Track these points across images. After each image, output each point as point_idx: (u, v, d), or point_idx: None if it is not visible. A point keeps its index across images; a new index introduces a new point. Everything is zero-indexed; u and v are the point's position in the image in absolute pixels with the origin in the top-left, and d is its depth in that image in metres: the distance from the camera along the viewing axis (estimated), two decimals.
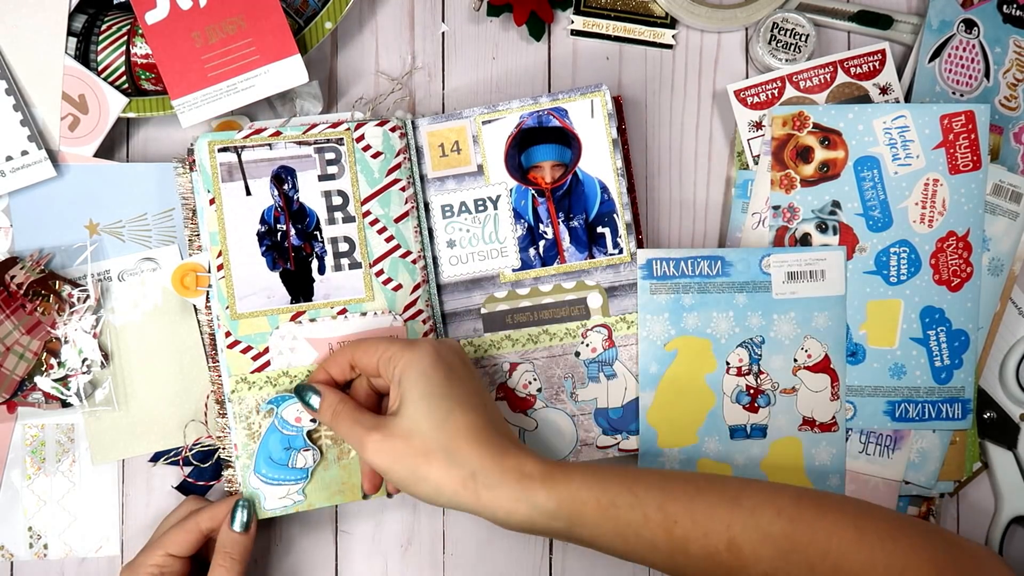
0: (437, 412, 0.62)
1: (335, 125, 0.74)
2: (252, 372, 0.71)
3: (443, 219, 0.75)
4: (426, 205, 0.75)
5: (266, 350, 0.71)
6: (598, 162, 0.75)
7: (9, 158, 0.73)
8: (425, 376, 0.63)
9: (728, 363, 0.75)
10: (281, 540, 0.77)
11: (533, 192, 0.75)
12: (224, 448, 0.72)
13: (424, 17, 0.81)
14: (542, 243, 0.75)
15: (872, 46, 0.78)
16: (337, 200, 0.73)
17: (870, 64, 0.78)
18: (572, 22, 0.81)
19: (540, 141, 0.75)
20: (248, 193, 0.72)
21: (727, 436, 0.75)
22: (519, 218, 0.75)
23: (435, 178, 0.75)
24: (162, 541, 0.68)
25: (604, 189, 0.75)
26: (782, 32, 0.78)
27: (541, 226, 0.75)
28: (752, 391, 0.75)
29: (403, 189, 0.74)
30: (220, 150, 0.72)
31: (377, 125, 0.74)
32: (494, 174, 0.75)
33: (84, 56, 0.74)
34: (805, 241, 0.76)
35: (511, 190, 0.75)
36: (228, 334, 0.71)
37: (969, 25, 0.79)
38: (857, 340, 0.76)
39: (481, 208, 0.75)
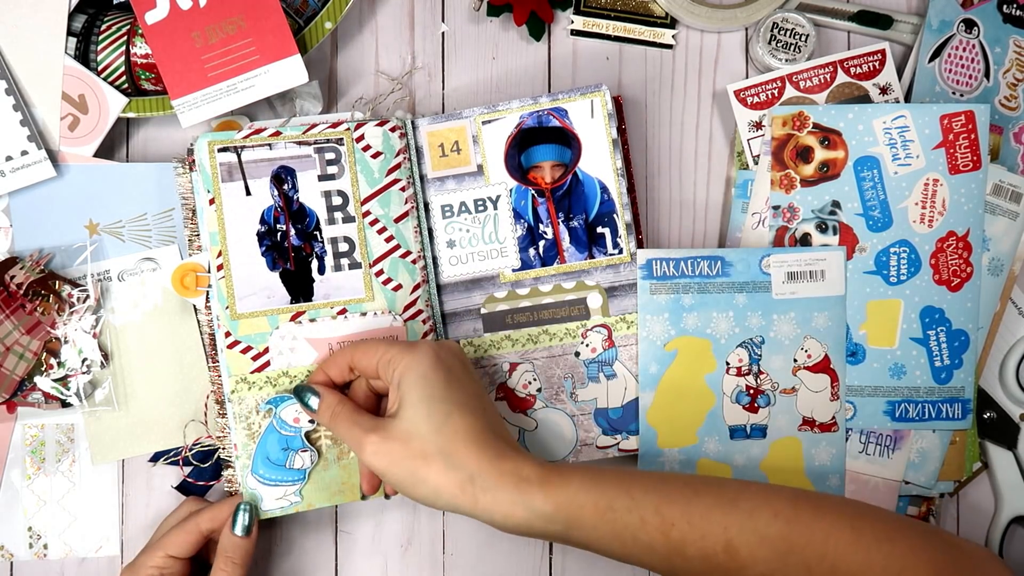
0: (436, 415, 0.62)
1: (335, 125, 0.74)
2: (252, 372, 0.71)
3: (443, 219, 0.75)
4: (426, 205, 0.75)
5: (266, 350, 0.71)
6: (598, 162, 0.75)
7: (9, 158, 0.73)
8: (424, 379, 0.63)
9: (728, 363, 0.75)
10: (281, 540, 0.77)
11: (533, 192, 0.75)
12: (224, 448, 0.72)
13: (424, 17, 0.81)
14: (542, 243, 0.75)
15: (872, 46, 0.78)
16: (337, 200, 0.73)
17: (870, 64, 0.78)
18: (572, 22, 0.81)
19: (540, 141, 0.75)
20: (248, 193, 0.72)
21: (727, 436, 0.75)
22: (519, 218, 0.75)
23: (435, 178, 0.75)
24: (162, 542, 0.68)
25: (604, 189, 0.75)
26: (782, 32, 0.78)
27: (541, 226, 0.75)
28: (752, 391, 0.75)
29: (403, 189, 0.74)
30: (220, 150, 0.72)
31: (377, 125, 0.74)
32: (494, 174, 0.75)
33: (84, 56, 0.74)
34: (805, 241, 0.76)
35: (511, 190, 0.75)
36: (228, 334, 0.71)
37: (969, 25, 0.79)
38: (857, 340, 0.76)
39: (481, 208, 0.75)
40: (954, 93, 0.79)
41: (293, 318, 0.72)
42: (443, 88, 0.80)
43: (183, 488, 0.76)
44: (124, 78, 0.74)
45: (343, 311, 0.72)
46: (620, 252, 0.75)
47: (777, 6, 0.80)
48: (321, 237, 0.73)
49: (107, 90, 0.74)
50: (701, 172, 0.81)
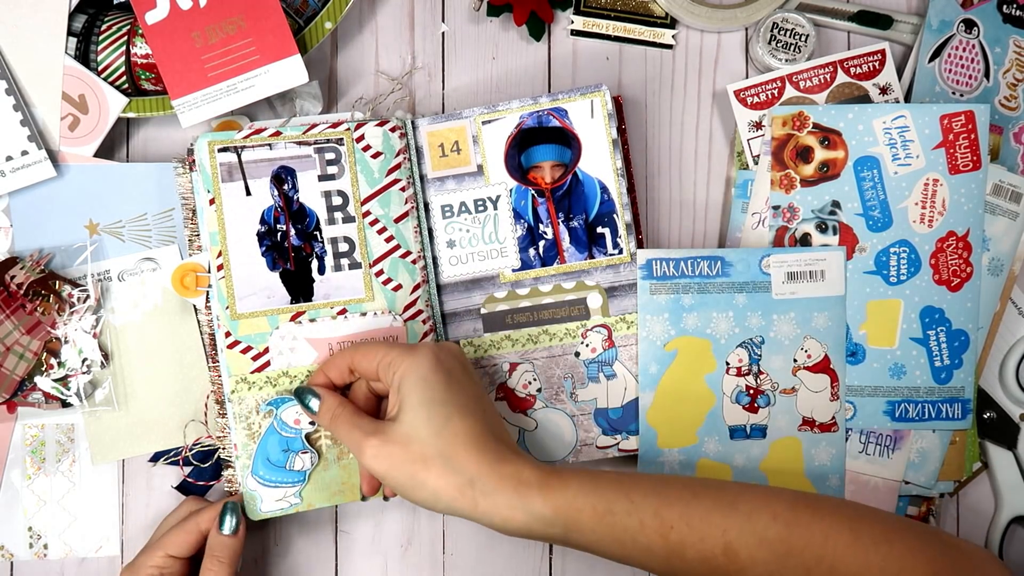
0: (436, 418, 0.62)
1: (335, 125, 0.74)
2: (252, 372, 0.71)
3: (443, 219, 0.75)
4: (426, 205, 0.75)
5: (266, 350, 0.71)
6: (598, 162, 0.75)
7: (9, 158, 0.73)
8: (424, 382, 0.63)
9: (728, 363, 0.75)
10: (281, 540, 0.77)
11: (533, 192, 0.75)
12: (224, 448, 0.72)
13: (424, 17, 0.81)
14: (542, 243, 0.75)
15: (872, 46, 0.78)
16: (337, 200, 0.73)
17: (870, 64, 0.78)
18: (572, 22, 0.81)
19: (540, 141, 0.75)
20: (248, 193, 0.72)
21: (727, 436, 0.75)
22: (519, 218, 0.75)
23: (435, 178, 0.75)
24: (162, 542, 0.68)
25: (604, 189, 0.75)
26: (782, 32, 0.78)
27: (541, 226, 0.75)
28: (752, 391, 0.75)
29: (403, 189, 0.74)
30: (220, 150, 0.72)
31: (377, 125, 0.74)
32: (494, 174, 0.75)
33: (84, 56, 0.74)
34: (805, 241, 0.76)
35: (511, 190, 0.75)
36: (228, 334, 0.71)
37: (969, 25, 0.79)
38: (857, 340, 0.76)
39: (481, 208, 0.75)
40: (954, 93, 0.79)
41: (293, 318, 0.72)
42: (443, 88, 0.80)
43: (183, 488, 0.76)
44: (124, 78, 0.74)
45: (343, 311, 0.72)
46: (620, 252, 0.75)
47: (777, 6, 0.80)
48: (321, 237, 0.73)
49: (107, 90, 0.74)
50: (701, 172, 0.81)
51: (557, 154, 0.76)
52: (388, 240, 0.73)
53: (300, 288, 0.72)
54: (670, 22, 0.81)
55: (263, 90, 0.72)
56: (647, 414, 0.75)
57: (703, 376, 0.75)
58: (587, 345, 0.75)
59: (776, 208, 0.77)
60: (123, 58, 0.74)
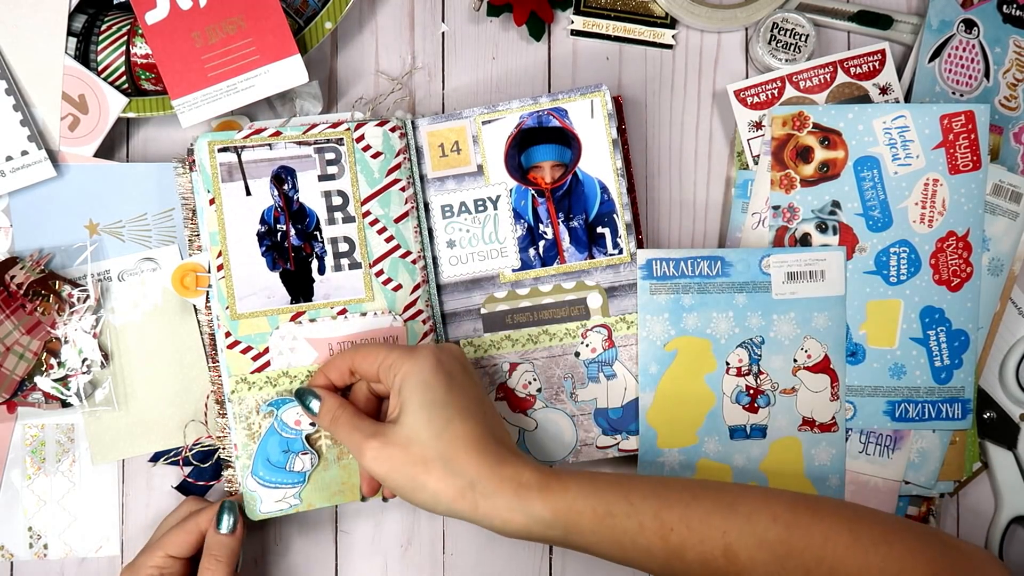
0: (436, 421, 0.62)
1: (335, 125, 0.74)
2: (252, 372, 0.71)
3: (443, 219, 0.75)
4: (426, 205, 0.75)
5: (266, 350, 0.71)
6: (598, 162, 0.75)
7: (9, 158, 0.73)
8: (425, 384, 0.63)
9: (728, 363, 0.75)
10: (280, 540, 0.77)
11: (533, 192, 0.75)
12: (224, 448, 0.72)
13: (424, 17, 0.81)
14: (542, 243, 0.75)
15: (872, 46, 0.78)
16: (337, 200, 0.73)
17: (870, 64, 0.78)
18: (572, 22, 0.81)
19: (540, 141, 0.75)
20: (248, 193, 0.72)
21: (727, 436, 0.75)
22: (519, 218, 0.75)
23: (435, 178, 0.75)
24: (162, 542, 0.68)
25: (604, 189, 0.75)
26: (782, 32, 0.78)
27: (541, 226, 0.75)
28: (752, 391, 0.75)
29: (403, 189, 0.74)
30: (220, 150, 0.72)
31: (377, 125, 0.74)
32: (494, 174, 0.75)
33: (84, 56, 0.74)
34: (805, 241, 0.76)
35: (511, 190, 0.75)
36: (228, 334, 0.71)
37: (969, 25, 0.79)
38: (857, 340, 0.76)
39: (481, 208, 0.75)
40: (954, 93, 0.79)
41: (293, 318, 0.72)
42: (443, 88, 0.80)
43: (183, 488, 0.76)
44: (124, 78, 0.74)
45: (343, 311, 0.72)
46: (620, 252, 0.75)
47: (777, 6, 0.80)
48: (321, 237, 0.73)
49: (107, 90, 0.74)
50: (701, 172, 0.81)
51: (557, 154, 0.75)
52: (388, 240, 0.73)
53: (300, 288, 0.72)
54: (670, 22, 0.81)
55: (263, 90, 0.72)
56: (647, 414, 0.75)
57: (703, 376, 0.75)
58: (587, 345, 0.75)
59: (776, 208, 0.77)
60: (123, 58, 0.74)
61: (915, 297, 0.76)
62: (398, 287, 0.73)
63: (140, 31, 0.73)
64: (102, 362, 0.74)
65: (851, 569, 0.60)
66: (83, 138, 0.74)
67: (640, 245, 0.77)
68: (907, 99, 0.79)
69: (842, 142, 0.76)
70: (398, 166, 0.74)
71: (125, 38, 0.74)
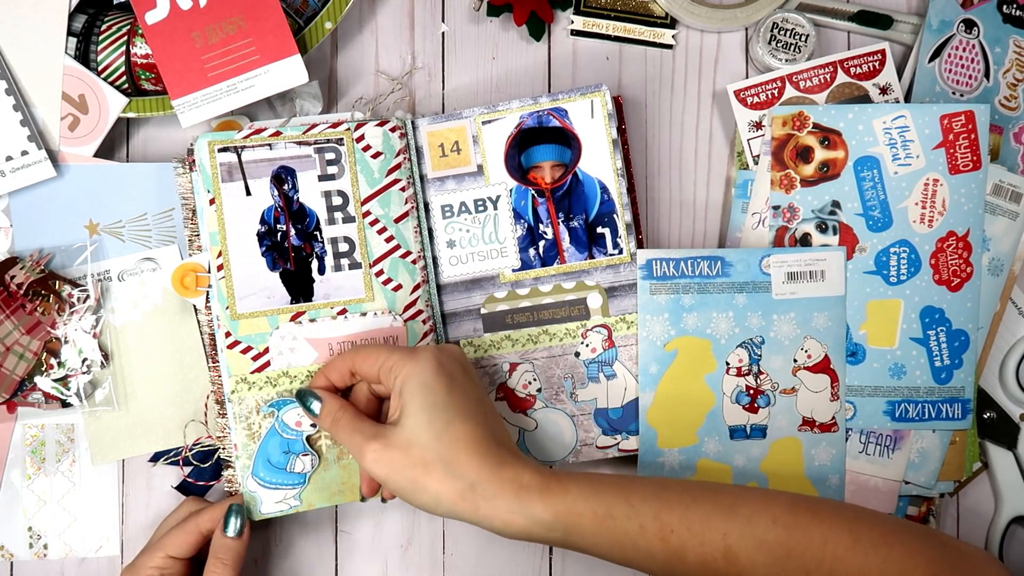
0: (437, 423, 0.62)
1: (335, 125, 0.74)
2: (252, 372, 0.71)
3: (443, 219, 0.75)
4: (426, 205, 0.75)
5: (266, 350, 0.71)
6: (598, 162, 0.75)
7: (9, 158, 0.73)
8: (426, 387, 0.63)
9: (728, 363, 0.75)
10: (281, 540, 0.77)
11: (533, 192, 0.75)
12: (224, 448, 0.72)
13: (424, 17, 0.81)
14: (542, 243, 0.75)
15: (872, 46, 0.78)
16: (337, 200, 0.73)
17: (870, 64, 0.78)
18: (572, 22, 0.81)
19: (540, 141, 0.75)
20: (248, 193, 0.72)
21: (727, 436, 0.75)
22: (519, 218, 0.75)
23: (435, 178, 0.75)
24: (162, 543, 0.68)
25: (604, 189, 0.75)
26: (782, 32, 0.78)
27: (541, 226, 0.75)
28: (752, 391, 0.75)
29: (403, 189, 0.74)
30: (220, 150, 0.72)
31: (377, 125, 0.74)
32: (494, 174, 0.75)
33: (84, 56, 0.74)
34: (805, 241, 0.76)
35: (511, 190, 0.75)
36: (228, 334, 0.71)
37: (969, 25, 0.79)
38: (857, 340, 0.76)
39: (481, 208, 0.75)
40: (954, 93, 0.79)
41: (293, 318, 0.72)
42: (443, 88, 0.80)
43: (183, 488, 0.76)
44: (124, 78, 0.74)
45: (343, 311, 0.72)
46: (620, 252, 0.75)
47: (777, 6, 0.80)
48: (321, 237, 0.73)
49: (107, 90, 0.74)
50: (701, 172, 0.81)
51: (557, 154, 0.75)
52: (388, 240, 0.73)
53: (300, 288, 0.72)
54: (670, 22, 0.81)
55: (263, 90, 0.72)
56: (647, 414, 0.75)
57: (703, 376, 0.75)
58: (587, 345, 0.75)
59: (776, 208, 0.77)
60: (123, 58, 0.74)
61: (915, 297, 0.76)
62: (398, 287, 0.73)
63: (140, 31, 0.73)
64: (102, 362, 0.74)
65: (851, 570, 0.61)
66: (83, 138, 0.74)
67: (640, 245, 0.77)
68: (907, 99, 0.79)
69: (842, 142, 0.76)
70: (398, 166, 0.74)
71: (125, 38, 0.74)
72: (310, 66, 0.73)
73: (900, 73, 0.79)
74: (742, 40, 0.81)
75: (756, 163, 0.78)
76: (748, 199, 0.78)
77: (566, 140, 0.75)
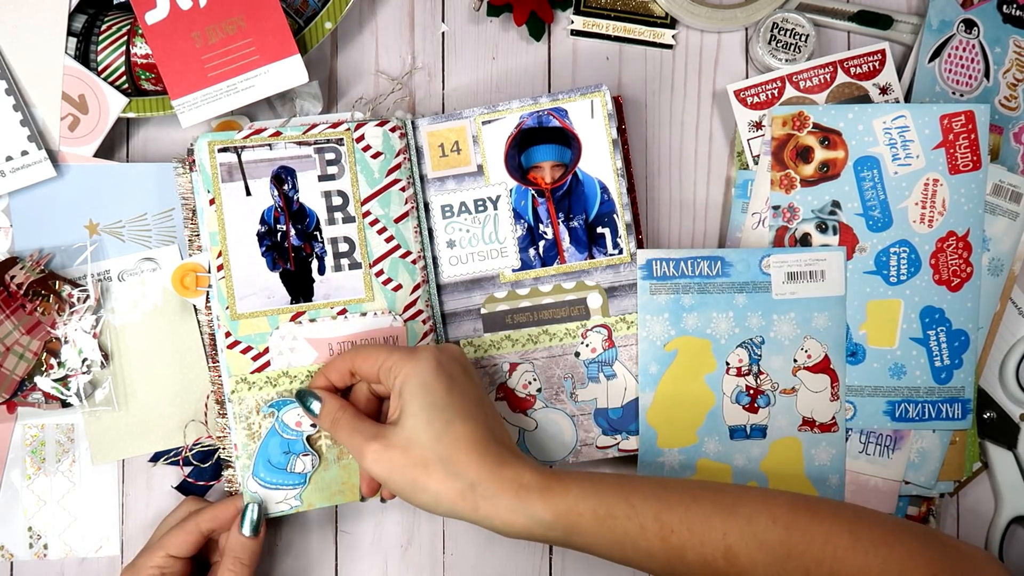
0: (437, 423, 0.62)
1: (335, 125, 0.74)
2: (252, 372, 0.71)
3: (443, 219, 0.75)
4: (426, 205, 0.75)
5: (266, 350, 0.71)
6: (598, 162, 0.75)
7: (9, 158, 0.73)
8: (426, 387, 0.63)
9: (728, 363, 0.75)
10: (281, 540, 0.77)
11: (533, 192, 0.75)
12: (224, 448, 0.72)
13: (424, 17, 0.81)
14: (542, 243, 0.75)
15: (872, 46, 0.78)
16: (337, 200, 0.73)
17: (870, 64, 0.78)
18: (572, 22, 0.81)
19: (540, 141, 0.75)
20: (248, 193, 0.72)
21: (727, 436, 0.75)
22: (519, 218, 0.75)
23: (435, 178, 0.75)
24: (162, 542, 0.68)
25: (604, 189, 0.75)
26: (782, 32, 0.78)
27: (541, 226, 0.75)
28: (752, 391, 0.75)
29: (403, 189, 0.74)
30: (220, 150, 0.72)
31: (377, 125, 0.74)
32: (494, 174, 0.75)
33: (84, 56, 0.74)
34: (805, 241, 0.76)
35: (511, 190, 0.75)
36: (228, 334, 0.71)
37: (969, 25, 0.79)
38: (857, 340, 0.76)
39: (481, 208, 0.75)
40: (954, 93, 0.79)
41: (293, 318, 0.72)
42: (443, 88, 0.80)
43: (183, 488, 0.76)
44: (124, 78, 0.74)
45: (343, 311, 0.72)
46: (620, 252, 0.75)
47: (777, 6, 0.80)
48: (321, 237, 0.73)
49: (107, 90, 0.74)
50: (701, 172, 0.81)
51: (557, 154, 0.75)
52: (388, 240, 0.73)
53: (300, 288, 0.72)
54: (670, 22, 0.81)
55: (263, 90, 0.72)
56: (647, 414, 0.75)
57: (703, 376, 0.75)
58: (587, 345, 0.75)
59: (776, 208, 0.77)
60: (123, 58, 0.74)
61: (915, 297, 0.76)
62: (398, 287, 0.73)
63: (140, 31, 0.73)
64: (102, 362, 0.74)
65: (851, 570, 0.61)
66: (83, 138, 0.74)
67: (640, 245, 0.77)
68: (907, 99, 0.79)
69: (842, 142, 0.76)
70: (398, 166, 0.74)
71: (125, 38, 0.74)
72: (310, 66, 0.73)
73: (900, 73, 0.79)
74: (742, 40, 0.81)
75: (756, 163, 0.78)
76: (748, 199, 0.78)
77: (566, 140, 0.75)
